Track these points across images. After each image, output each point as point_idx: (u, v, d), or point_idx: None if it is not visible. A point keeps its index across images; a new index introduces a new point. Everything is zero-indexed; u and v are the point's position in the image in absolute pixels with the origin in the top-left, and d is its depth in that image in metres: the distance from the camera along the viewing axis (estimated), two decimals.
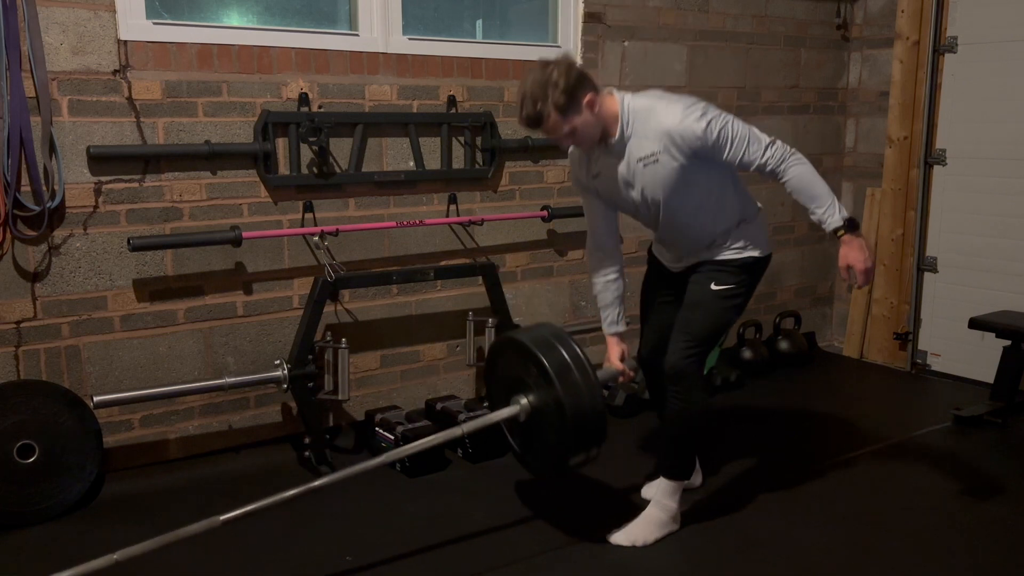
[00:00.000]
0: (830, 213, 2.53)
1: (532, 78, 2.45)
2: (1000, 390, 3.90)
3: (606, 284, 2.83)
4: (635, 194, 2.61)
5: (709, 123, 2.45)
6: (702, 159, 2.50)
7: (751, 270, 2.73)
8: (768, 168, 2.53)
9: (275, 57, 3.27)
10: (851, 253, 2.54)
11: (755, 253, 2.72)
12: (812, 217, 2.58)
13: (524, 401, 2.63)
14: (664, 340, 2.78)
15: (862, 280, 2.57)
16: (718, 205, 2.64)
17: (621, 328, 2.86)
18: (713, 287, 2.68)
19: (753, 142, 2.50)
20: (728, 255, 2.70)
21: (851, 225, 2.53)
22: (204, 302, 3.27)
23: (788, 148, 2.54)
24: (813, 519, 2.91)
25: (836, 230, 2.54)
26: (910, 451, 3.54)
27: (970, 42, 4.30)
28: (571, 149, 2.70)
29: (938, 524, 2.89)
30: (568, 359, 2.54)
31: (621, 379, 2.89)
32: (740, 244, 2.70)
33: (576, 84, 2.43)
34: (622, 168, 2.57)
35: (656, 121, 2.48)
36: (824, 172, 4.86)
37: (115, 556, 2.24)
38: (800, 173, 2.53)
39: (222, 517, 2.32)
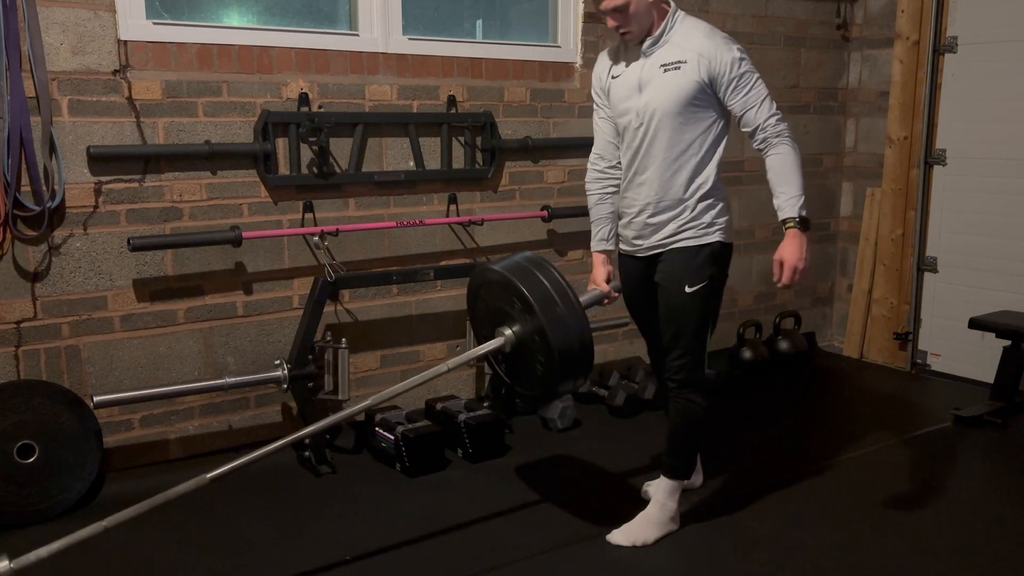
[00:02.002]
0: (791, 204, 2.54)
1: None
2: (1000, 390, 3.91)
3: (602, 196, 2.83)
4: (640, 102, 2.62)
5: (742, 60, 2.55)
6: (711, 101, 2.57)
7: (717, 261, 2.69)
8: (764, 135, 2.57)
9: (275, 57, 3.28)
10: (789, 248, 2.54)
11: (719, 238, 2.67)
12: (774, 201, 2.58)
13: (508, 332, 2.59)
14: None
15: (787, 277, 2.56)
16: (700, 159, 2.63)
17: (610, 247, 2.85)
18: (687, 290, 2.64)
19: (765, 104, 2.58)
20: (691, 235, 2.65)
21: (803, 223, 2.54)
22: (204, 302, 3.27)
23: (789, 129, 2.59)
24: (813, 519, 2.91)
25: (786, 221, 2.54)
26: (910, 451, 3.54)
27: (970, 42, 4.30)
28: (601, 55, 2.77)
29: (938, 524, 2.90)
30: (549, 288, 2.47)
31: (606, 302, 2.85)
32: (705, 221, 2.65)
33: None
34: (642, 70, 2.62)
35: (696, 38, 2.57)
36: (824, 172, 4.99)
37: (104, 523, 2.26)
38: (786, 154, 2.56)
39: (209, 475, 2.37)
